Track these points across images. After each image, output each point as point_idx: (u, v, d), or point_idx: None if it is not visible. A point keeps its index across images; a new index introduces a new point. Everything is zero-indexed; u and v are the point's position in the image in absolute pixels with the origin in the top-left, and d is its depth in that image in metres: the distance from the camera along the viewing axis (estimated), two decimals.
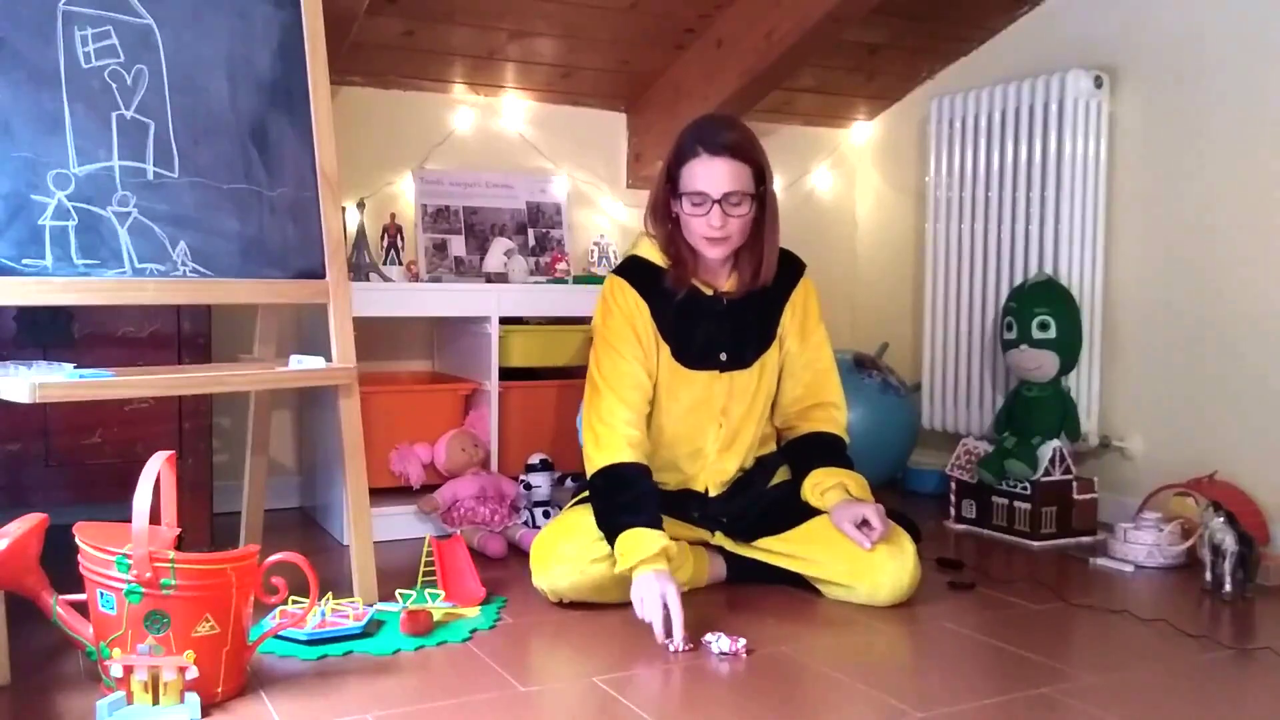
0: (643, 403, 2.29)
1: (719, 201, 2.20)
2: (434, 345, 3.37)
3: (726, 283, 2.36)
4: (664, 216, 2.32)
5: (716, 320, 2.35)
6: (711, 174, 2.21)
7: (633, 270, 2.35)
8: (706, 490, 2.39)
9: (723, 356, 2.35)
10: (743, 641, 1.95)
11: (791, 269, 2.43)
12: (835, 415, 2.44)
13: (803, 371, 2.44)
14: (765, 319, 2.40)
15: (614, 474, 2.20)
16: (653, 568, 2.05)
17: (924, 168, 3.52)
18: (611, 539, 2.12)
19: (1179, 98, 2.91)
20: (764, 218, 2.28)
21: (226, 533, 2.56)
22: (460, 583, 2.24)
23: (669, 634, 1.98)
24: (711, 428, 2.36)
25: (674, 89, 3.40)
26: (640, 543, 2.07)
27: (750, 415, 2.39)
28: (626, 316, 2.30)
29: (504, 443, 2.95)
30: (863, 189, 4.02)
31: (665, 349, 2.32)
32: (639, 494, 2.18)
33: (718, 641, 1.97)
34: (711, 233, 2.23)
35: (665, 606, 1.99)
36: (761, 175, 2.26)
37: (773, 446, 2.50)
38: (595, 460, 2.22)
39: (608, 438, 2.23)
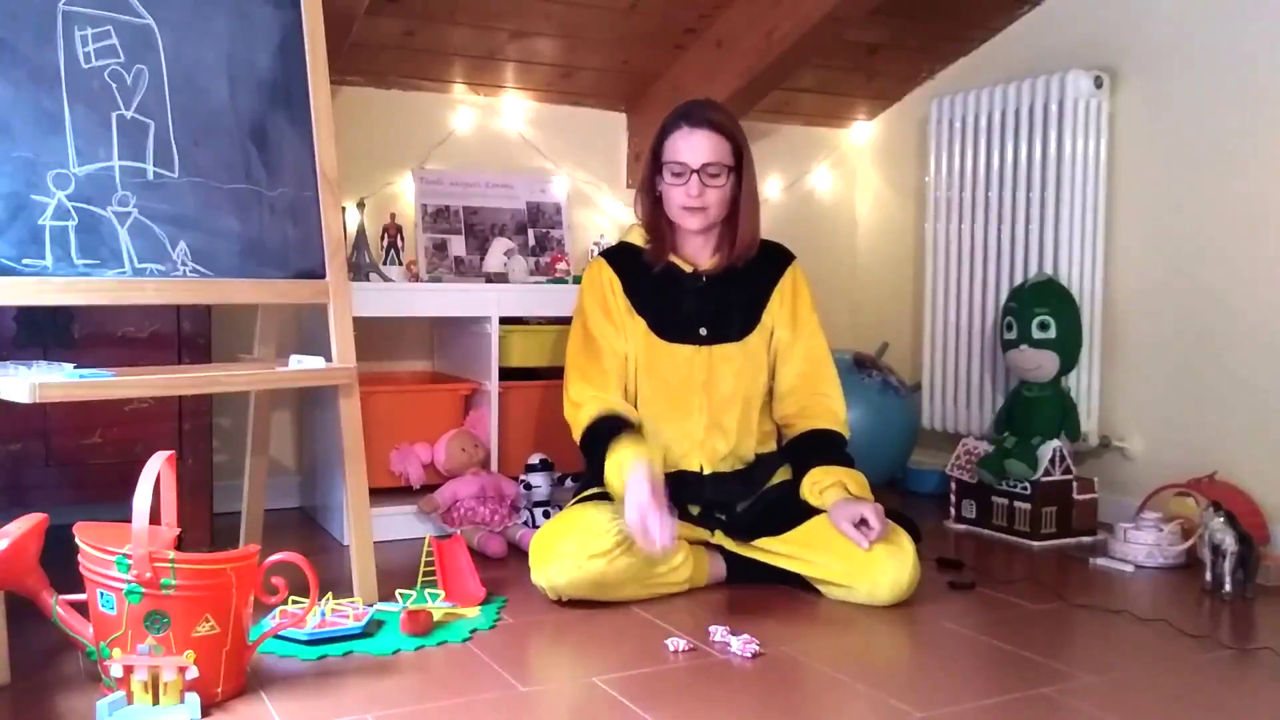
0: (618, 369, 2.40)
1: (697, 171, 2.32)
2: (434, 345, 3.37)
3: (708, 261, 2.45)
4: (649, 195, 2.43)
5: (697, 296, 2.43)
6: (691, 145, 2.33)
7: (616, 251, 2.52)
8: (702, 468, 2.41)
9: (702, 331, 2.41)
10: (754, 645, 1.94)
11: (779, 257, 2.51)
12: (832, 407, 2.45)
13: (797, 362, 2.46)
14: (750, 300, 2.46)
15: (591, 431, 2.32)
16: (630, 474, 2.13)
17: (924, 168, 3.52)
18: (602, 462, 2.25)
19: (1179, 98, 2.91)
20: (741, 195, 2.39)
21: (226, 533, 2.56)
22: (460, 583, 2.24)
23: (654, 536, 2.06)
24: (695, 402, 2.40)
25: (674, 89, 3.40)
26: (615, 463, 2.19)
27: (735, 396, 2.41)
28: (598, 294, 2.44)
29: (504, 443, 2.95)
30: (863, 189, 4.02)
31: (641, 323, 2.42)
32: (611, 429, 2.28)
33: (721, 632, 1.98)
34: (689, 202, 2.34)
35: (642, 515, 2.07)
36: (740, 152, 2.38)
37: (773, 445, 2.51)
38: (577, 433, 2.37)
39: (586, 407, 2.35)
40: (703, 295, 2.42)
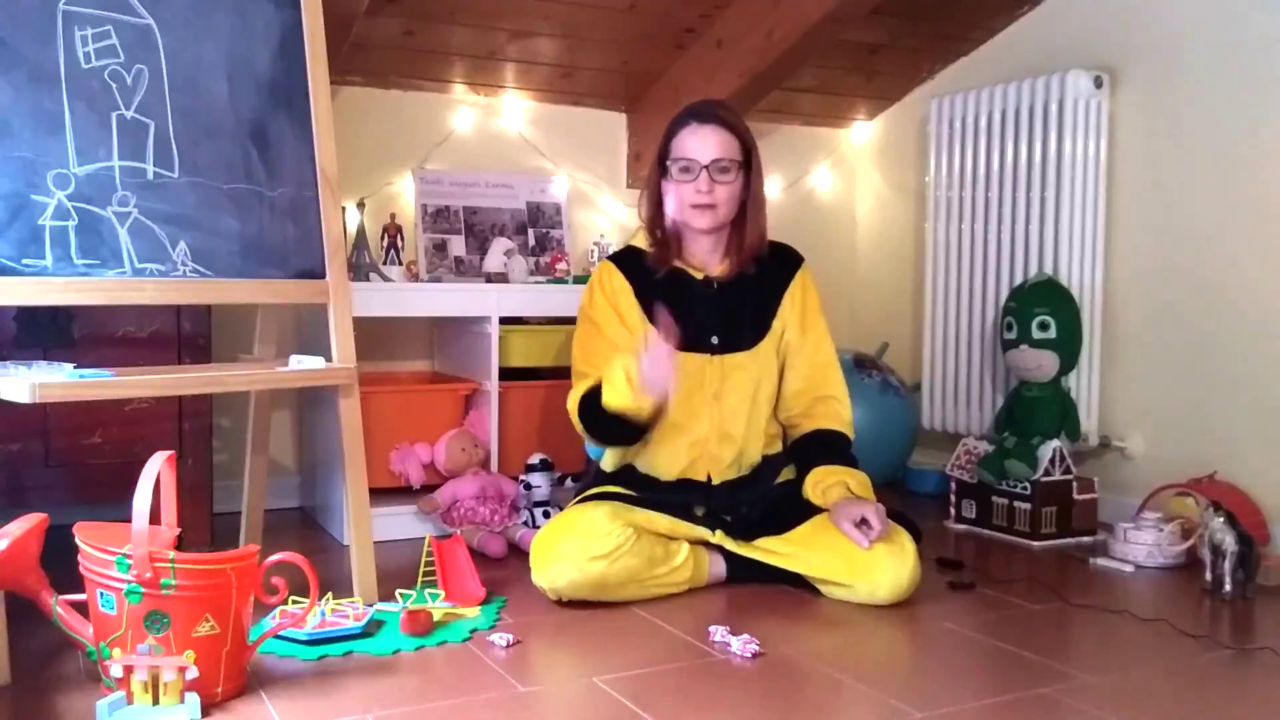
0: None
1: (707, 167, 2.30)
2: (434, 345, 3.36)
3: (718, 268, 2.43)
4: (654, 200, 2.41)
5: (707, 303, 2.40)
6: (700, 140, 2.32)
7: (625, 256, 2.48)
8: (710, 478, 2.39)
9: (714, 340, 2.39)
10: (754, 645, 1.94)
11: (789, 260, 2.49)
12: (838, 410, 2.45)
13: (803, 365, 2.46)
14: (761, 305, 2.44)
15: (585, 399, 2.28)
16: (621, 365, 2.17)
17: (924, 168, 3.52)
18: (604, 417, 2.23)
19: (1179, 98, 2.91)
20: (748, 196, 2.37)
21: (226, 533, 2.56)
22: (460, 583, 2.24)
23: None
24: (704, 411, 2.38)
25: (674, 89, 3.40)
26: (611, 379, 2.18)
27: (744, 404, 2.40)
28: (609, 296, 2.40)
29: (504, 443, 2.95)
30: (863, 189, 4.02)
31: (652, 330, 2.34)
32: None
33: (721, 632, 1.98)
34: (698, 199, 2.32)
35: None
36: (749, 151, 2.36)
37: (779, 447, 2.50)
38: (574, 413, 2.32)
39: (578, 387, 2.32)
40: (714, 302, 2.40)
